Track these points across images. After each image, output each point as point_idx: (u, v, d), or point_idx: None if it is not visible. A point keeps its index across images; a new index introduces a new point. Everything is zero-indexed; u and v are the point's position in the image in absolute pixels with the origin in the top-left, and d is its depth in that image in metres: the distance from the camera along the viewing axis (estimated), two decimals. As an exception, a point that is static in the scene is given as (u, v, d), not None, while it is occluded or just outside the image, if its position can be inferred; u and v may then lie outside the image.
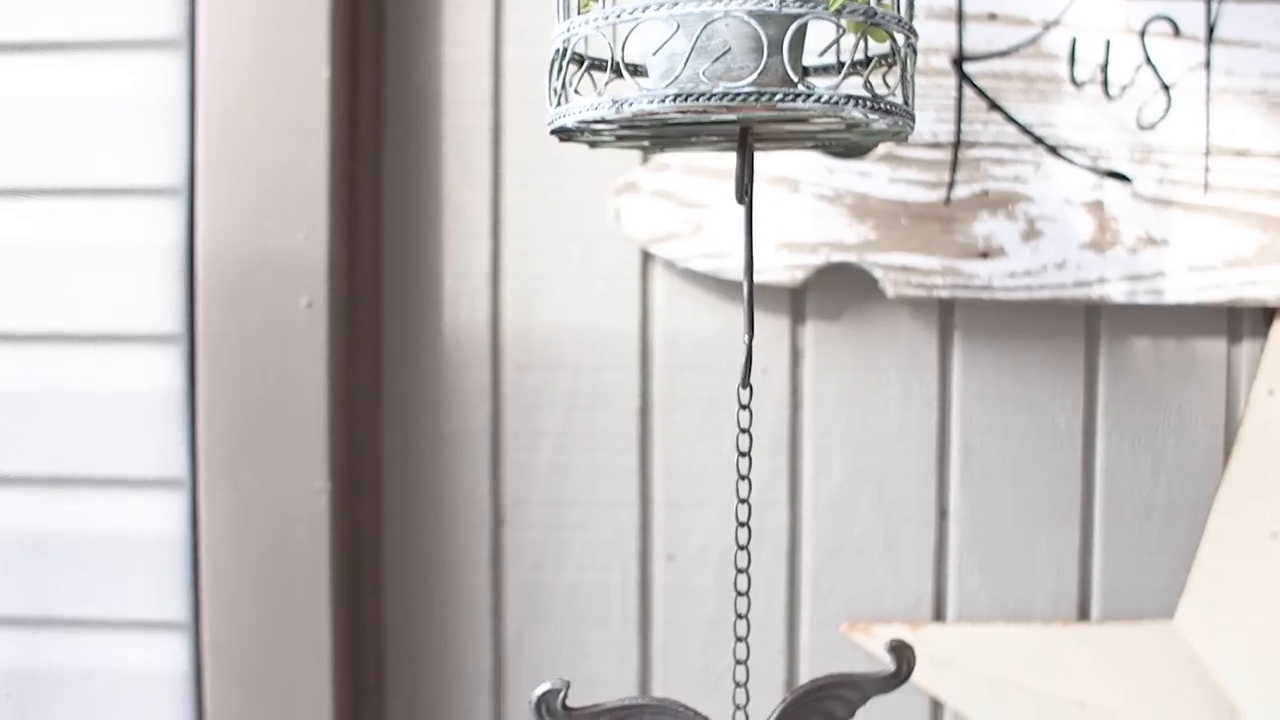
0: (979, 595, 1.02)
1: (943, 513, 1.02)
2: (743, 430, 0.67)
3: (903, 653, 0.69)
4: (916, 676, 0.98)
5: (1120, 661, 1.02)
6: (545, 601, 1.01)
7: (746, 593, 0.67)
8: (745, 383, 0.67)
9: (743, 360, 0.65)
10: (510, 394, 1.01)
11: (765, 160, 0.96)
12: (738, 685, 0.68)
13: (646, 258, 1.00)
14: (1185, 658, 1.02)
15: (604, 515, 1.01)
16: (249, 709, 0.97)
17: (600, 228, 0.99)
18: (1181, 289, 0.98)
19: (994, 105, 0.96)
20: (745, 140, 0.61)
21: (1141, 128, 0.96)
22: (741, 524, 0.66)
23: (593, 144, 0.69)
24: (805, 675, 1.01)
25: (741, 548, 0.66)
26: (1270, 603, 1.00)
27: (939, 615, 1.02)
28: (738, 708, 0.69)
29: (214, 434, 0.95)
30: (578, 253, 1.00)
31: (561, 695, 0.63)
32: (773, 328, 1.00)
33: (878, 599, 1.01)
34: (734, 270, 0.97)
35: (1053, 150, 0.97)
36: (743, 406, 0.67)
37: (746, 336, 0.67)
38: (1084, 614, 1.03)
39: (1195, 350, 1.01)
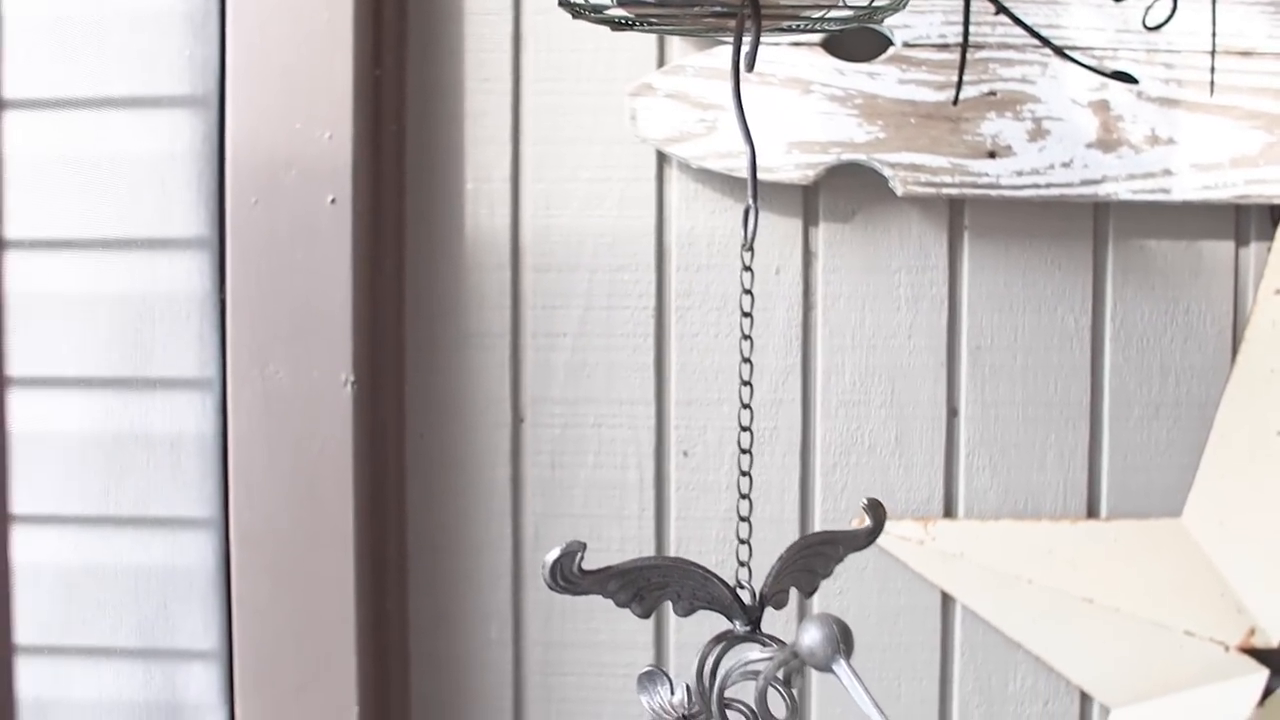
0: (989, 492, 1.09)
1: (953, 411, 1.09)
2: (745, 313, 0.74)
3: (876, 510, 0.76)
4: (927, 571, 1.06)
5: (1128, 558, 1.09)
6: (563, 498, 1.09)
7: (749, 494, 0.74)
8: (748, 245, 0.74)
9: (746, 224, 0.72)
10: (529, 295, 1.09)
11: (777, 62, 1.04)
12: (741, 564, 0.74)
13: (662, 161, 1.08)
14: (1192, 554, 1.09)
15: (621, 413, 1.09)
16: (275, 600, 1.06)
17: (617, 133, 1.08)
18: (1187, 187, 1.05)
19: (1001, 8, 1.04)
20: (756, 5, 0.69)
21: (1148, 29, 1.04)
22: (744, 428, 0.74)
23: (600, 19, 0.76)
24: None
25: (744, 451, 0.73)
26: (1276, 499, 1.07)
27: (949, 512, 1.10)
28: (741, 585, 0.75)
29: (242, 331, 1.04)
30: (595, 157, 1.08)
31: (578, 558, 0.64)
32: (785, 229, 1.08)
33: (889, 495, 1.09)
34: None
35: (1059, 51, 1.04)
36: (745, 291, 0.74)
37: (750, 200, 0.75)
38: (1093, 511, 1.10)
39: (1202, 251, 1.09)
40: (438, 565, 1.11)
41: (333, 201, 1.02)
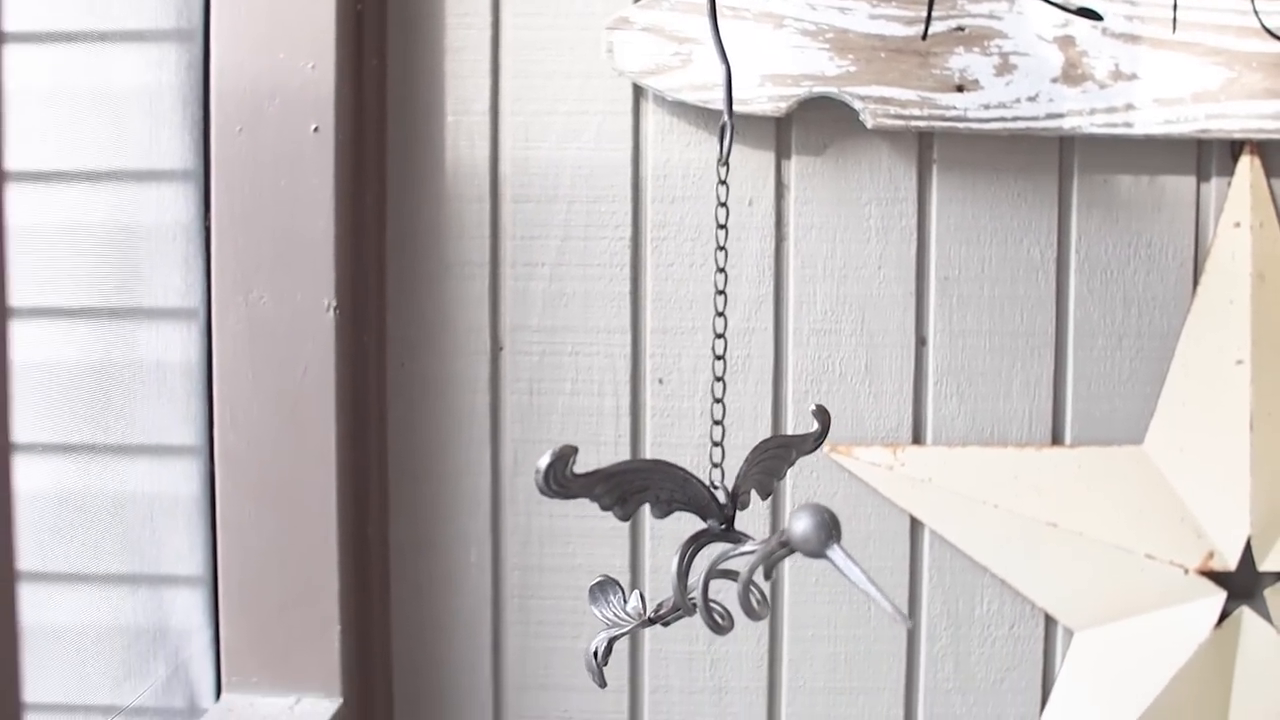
0: (956, 420, 1.15)
1: (921, 340, 1.15)
2: (720, 225, 0.79)
3: (823, 415, 0.81)
4: (896, 496, 1.11)
5: (1091, 483, 1.15)
6: (541, 424, 1.15)
7: (722, 398, 0.79)
8: (724, 160, 0.80)
9: (721, 141, 0.78)
10: (508, 225, 1.14)
11: (750, -4, 1.10)
12: (714, 465, 0.79)
13: (638, 94, 1.14)
14: (1154, 480, 1.14)
15: (598, 341, 1.14)
16: (259, 523, 1.11)
17: (594, 66, 1.13)
18: (1150, 121, 1.11)
19: (969, -56, 1.09)
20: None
21: (1111, -34, 1.09)
22: (718, 357, 0.79)
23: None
24: (789, 493, 1.15)
25: (718, 379, 0.79)
26: (1234, 427, 1.12)
27: (918, 438, 1.15)
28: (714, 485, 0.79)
29: (226, 259, 1.09)
30: (573, 90, 1.14)
31: (570, 462, 0.65)
32: (758, 162, 1.13)
33: (859, 422, 1.15)
34: (721, 102, 1.10)
35: (1025, -13, 1.09)
36: (720, 204, 0.79)
37: (726, 117, 0.80)
38: (1057, 438, 1.16)
39: (1164, 185, 1.14)
40: (418, 490, 1.16)
41: (315, 130, 1.07)
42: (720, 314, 0.78)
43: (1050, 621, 1.18)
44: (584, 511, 1.12)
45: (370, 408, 1.15)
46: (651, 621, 0.80)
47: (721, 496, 0.75)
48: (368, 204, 1.13)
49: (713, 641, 1.16)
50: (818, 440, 0.82)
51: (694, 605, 0.74)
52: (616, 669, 1.15)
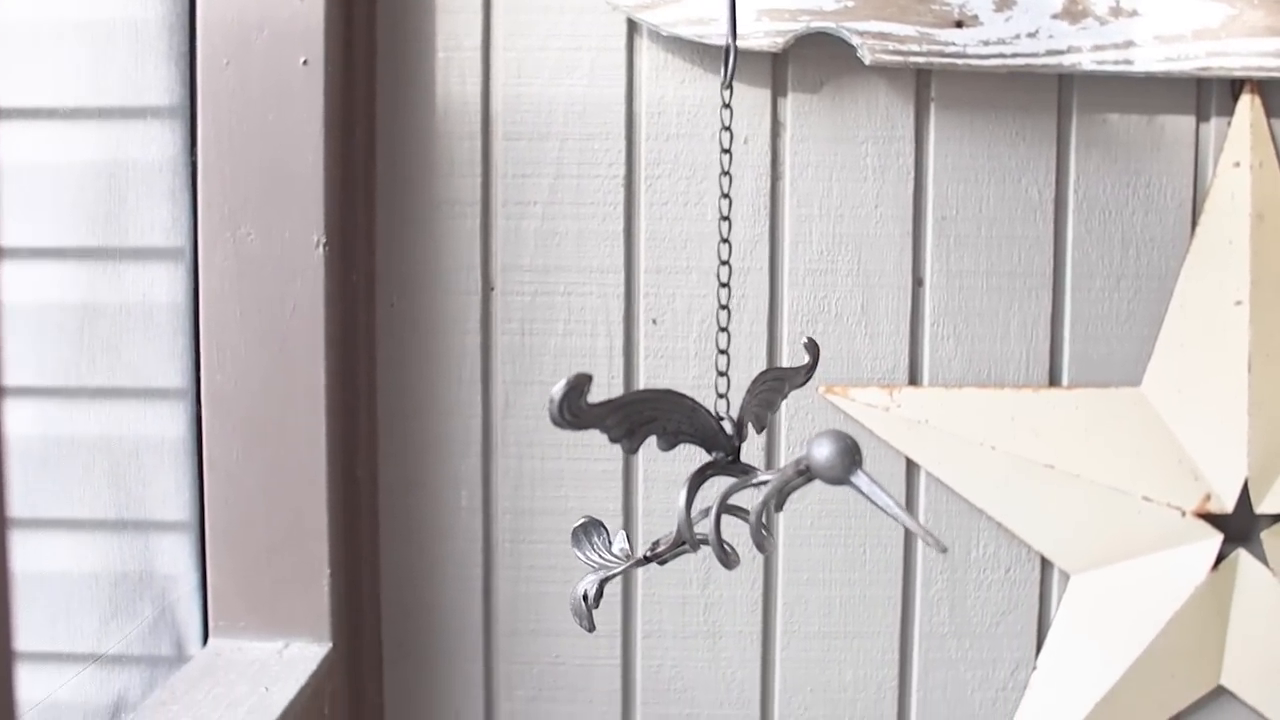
0: (953, 361, 1.16)
1: (918, 280, 1.15)
2: (724, 150, 0.79)
3: (813, 348, 0.81)
4: (892, 438, 1.12)
5: (1089, 426, 1.16)
6: (533, 365, 1.15)
7: (727, 326, 0.79)
8: (727, 84, 0.80)
9: (725, 62, 0.78)
10: (500, 163, 1.14)
11: (746, -72, 1.10)
12: (719, 396, 0.79)
13: (632, 29, 1.14)
14: (1151, 422, 1.15)
15: (591, 281, 1.14)
16: (246, 464, 1.11)
17: (588, 1, 1.13)
18: (1150, 59, 1.11)
19: (968, -124, 1.10)
20: None
21: (1111, -100, 1.09)
22: (723, 284, 0.79)
23: None
24: (784, 435, 1.15)
25: (723, 307, 0.79)
26: (1232, 368, 1.13)
27: (914, 379, 1.16)
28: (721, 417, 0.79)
29: (213, 195, 1.09)
30: (566, 25, 1.14)
31: (585, 391, 0.63)
32: (754, 100, 1.14)
33: (854, 363, 1.15)
34: (717, 37, 1.10)
35: (1025, -79, 1.10)
36: (724, 128, 0.79)
37: (730, 38, 0.80)
38: (1054, 380, 1.16)
39: (1164, 125, 1.15)
40: (408, 431, 1.16)
41: (305, 63, 1.07)
42: (724, 239, 0.78)
43: (1046, 565, 1.19)
44: (577, 454, 1.13)
45: (359, 347, 1.15)
46: (647, 560, 0.79)
47: (728, 428, 0.75)
48: (357, 140, 1.13)
49: (707, 585, 1.17)
50: (809, 373, 0.82)
51: (700, 540, 0.73)
52: (608, 613, 1.16)
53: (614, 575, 0.79)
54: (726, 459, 0.76)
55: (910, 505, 1.18)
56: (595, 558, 0.81)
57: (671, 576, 1.17)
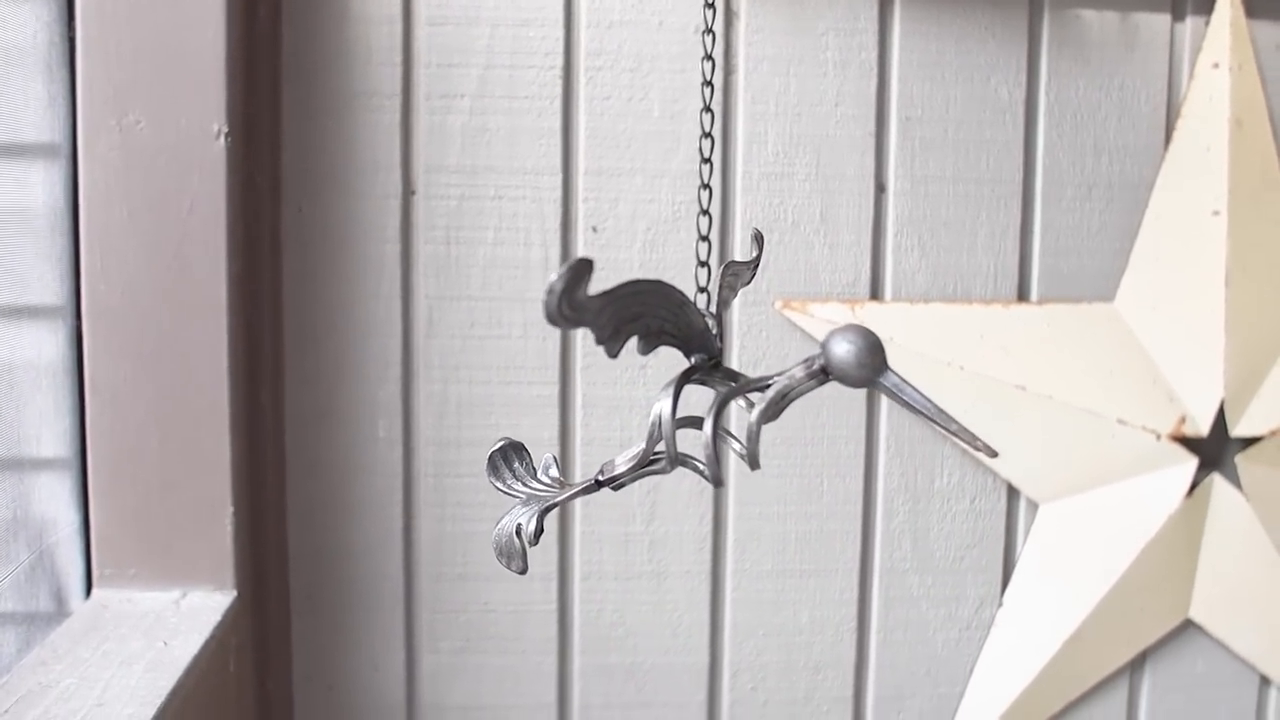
0: (917, 274, 1.10)
1: (881, 187, 1.09)
2: (706, 56, 0.72)
3: (758, 240, 0.75)
4: (852, 358, 1.05)
5: (1060, 343, 1.11)
6: (460, 278, 1.06)
7: (708, 237, 0.72)
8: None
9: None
10: (423, 51, 1.05)
11: None
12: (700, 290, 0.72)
13: (571, -97, 1.05)
14: (1125, 340, 1.11)
15: (524, 184, 1.06)
16: (136, 389, 1.00)
17: None
18: (1127, -52, 1.07)
19: None
20: None
21: None
22: (705, 160, 0.71)
23: None
24: (736, 352, 1.08)
25: (705, 186, 0.71)
26: (1210, 283, 1.10)
27: (876, 294, 1.10)
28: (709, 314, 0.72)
29: (95, 76, 0.97)
30: (496, -102, 1.05)
31: (586, 281, 0.53)
32: (705, -15, 1.06)
33: (813, 275, 1.09)
34: (666, -89, 1.02)
35: None
36: (706, 29, 0.72)
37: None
38: (1023, 295, 1.12)
39: (1138, 24, 1.11)
40: (319, 353, 1.07)
41: (201, -74, 0.96)
42: (707, 108, 0.71)
43: (1013, 494, 1.14)
44: (509, 377, 1.05)
45: (263, 257, 1.05)
46: (599, 485, 0.70)
47: (713, 326, 0.67)
48: (261, 19, 1.02)
49: (651, 521, 1.10)
50: (754, 268, 0.76)
51: (680, 457, 0.65)
52: (543, 554, 1.08)
53: (556, 504, 0.69)
54: (708, 362, 0.68)
55: (870, 432, 1.12)
56: (520, 487, 0.72)
57: (612, 512, 1.09)
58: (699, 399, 0.61)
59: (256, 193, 1.04)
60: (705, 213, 0.72)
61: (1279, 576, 1.13)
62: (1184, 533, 1.12)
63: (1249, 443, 1.11)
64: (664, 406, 0.64)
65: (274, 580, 1.08)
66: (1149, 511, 1.11)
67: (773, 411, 0.65)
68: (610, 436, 1.08)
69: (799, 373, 0.63)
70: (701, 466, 0.68)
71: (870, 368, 0.60)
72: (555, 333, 1.07)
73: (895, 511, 1.12)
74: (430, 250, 1.06)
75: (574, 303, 0.54)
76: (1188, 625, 1.17)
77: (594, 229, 1.07)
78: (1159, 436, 1.10)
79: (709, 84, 0.76)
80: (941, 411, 0.61)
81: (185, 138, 0.97)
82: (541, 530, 0.67)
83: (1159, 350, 1.11)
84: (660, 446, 0.65)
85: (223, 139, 0.97)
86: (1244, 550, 1.13)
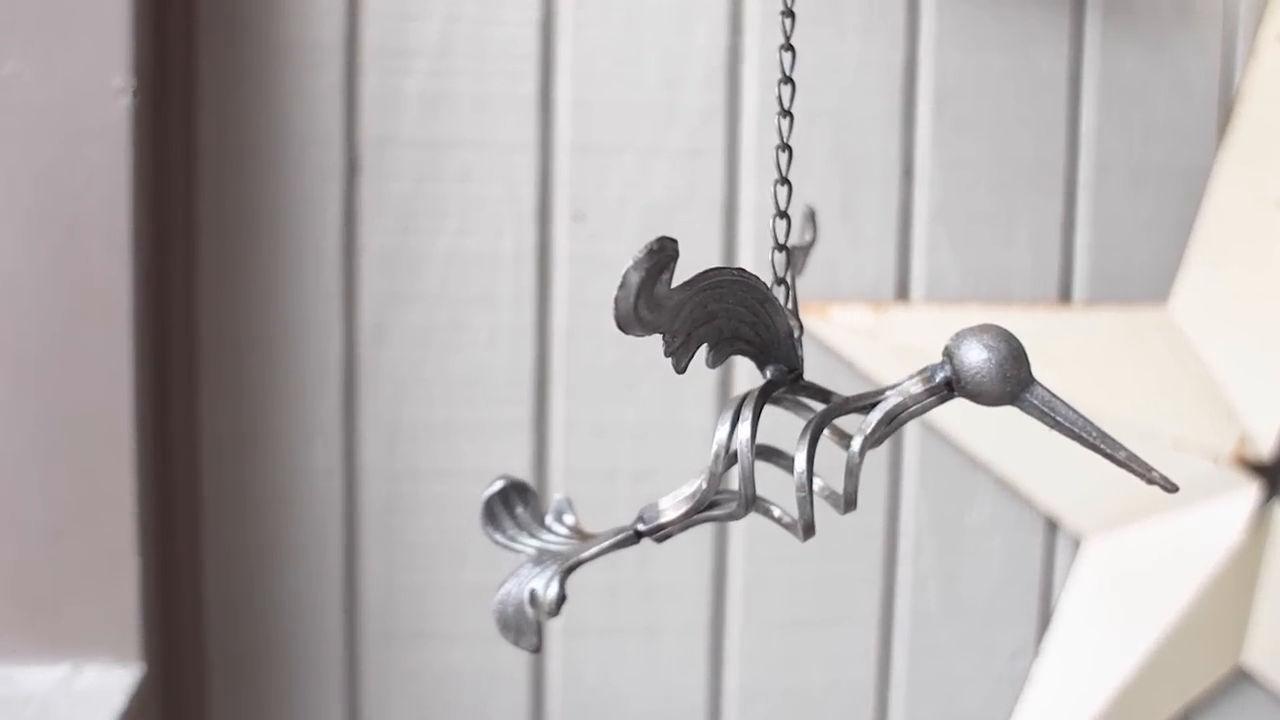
0: (948, 272, 0.98)
1: (907, 171, 0.97)
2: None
3: (813, 217, 0.64)
4: (878, 372, 0.93)
5: (1109, 352, 1.00)
6: (413, 275, 0.91)
7: (786, 213, 0.58)
8: None
9: None
10: (371, -1, 0.90)
11: None
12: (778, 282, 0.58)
13: None
14: (1180, 348, 1.01)
15: (494, 161, 0.91)
16: (17, 410, 0.82)
17: None
18: (1187, -100, 0.96)
19: None
20: None
21: None
22: (784, 111, 0.58)
23: None
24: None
25: (784, 146, 0.58)
26: (1274, 285, 1.00)
27: (903, 294, 0.98)
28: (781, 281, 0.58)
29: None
30: None
31: (671, 269, 0.41)
32: (708, -71, 0.93)
33: (832, 273, 0.96)
34: None
35: None
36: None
37: None
38: (1065, 295, 1.01)
39: (1193, -12, 1.01)
40: (242, 365, 0.90)
41: None
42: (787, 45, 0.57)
43: (1051, 529, 1.03)
44: (474, 395, 0.90)
45: (175, 246, 0.88)
46: (640, 536, 0.55)
47: (795, 329, 0.53)
48: (173, -47, 0.86)
49: (642, 567, 0.96)
50: (808, 253, 0.64)
51: (753, 499, 0.52)
52: (513, 607, 0.93)
53: (581, 562, 0.55)
54: (790, 376, 0.54)
55: (895, 461, 1.00)
56: (528, 540, 0.57)
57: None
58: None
59: (167, 166, 0.87)
60: (784, 181, 0.59)
61: (1341, 617, 1.04)
62: (1243, 568, 1.02)
63: (1311, 466, 1.01)
64: (743, 430, 0.51)
65: (189, 647, 0.91)
66: (1206, 545, 1.01)
67: (878, 438, 0.52)
68: (595, 467, 0.94)
69: (914, 387, 0.51)
70: (779, 513, 0.56)
71: (1016, 380, 0.49)
72: (529, 343, 0.93)
73: (921, 551, 1.00)
74: (380, 241, 0.91)
75: (655, 300, 0.41)
76: (1235, 674, 1.07)
77: (576, 216, 0.93)
78: (1216, 460, 1.00)
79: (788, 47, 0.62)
80: (1105, 435, 0.50)
81: (78, 95, 0.80)
82: (564, 597, 0.52)
83: (1217, 358, 1.01)
84: (729, 484, 0.52)
85: (126, 98, 0.80)
86: (1305, 586, 1.03)
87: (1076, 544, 1.03)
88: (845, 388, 0.93)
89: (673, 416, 0.94)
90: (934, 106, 0.97)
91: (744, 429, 0.50)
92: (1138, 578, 1.02)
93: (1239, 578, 1.02)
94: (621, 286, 0.39)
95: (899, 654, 1.01)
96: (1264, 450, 1.00)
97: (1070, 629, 1.03)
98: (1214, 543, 1.01)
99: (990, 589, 1.01)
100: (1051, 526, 1.02)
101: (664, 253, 0.40)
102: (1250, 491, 1.01)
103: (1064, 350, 0.99)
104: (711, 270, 0.43)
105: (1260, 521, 1.01)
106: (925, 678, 1.01)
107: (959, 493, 1.00)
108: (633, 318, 0.40)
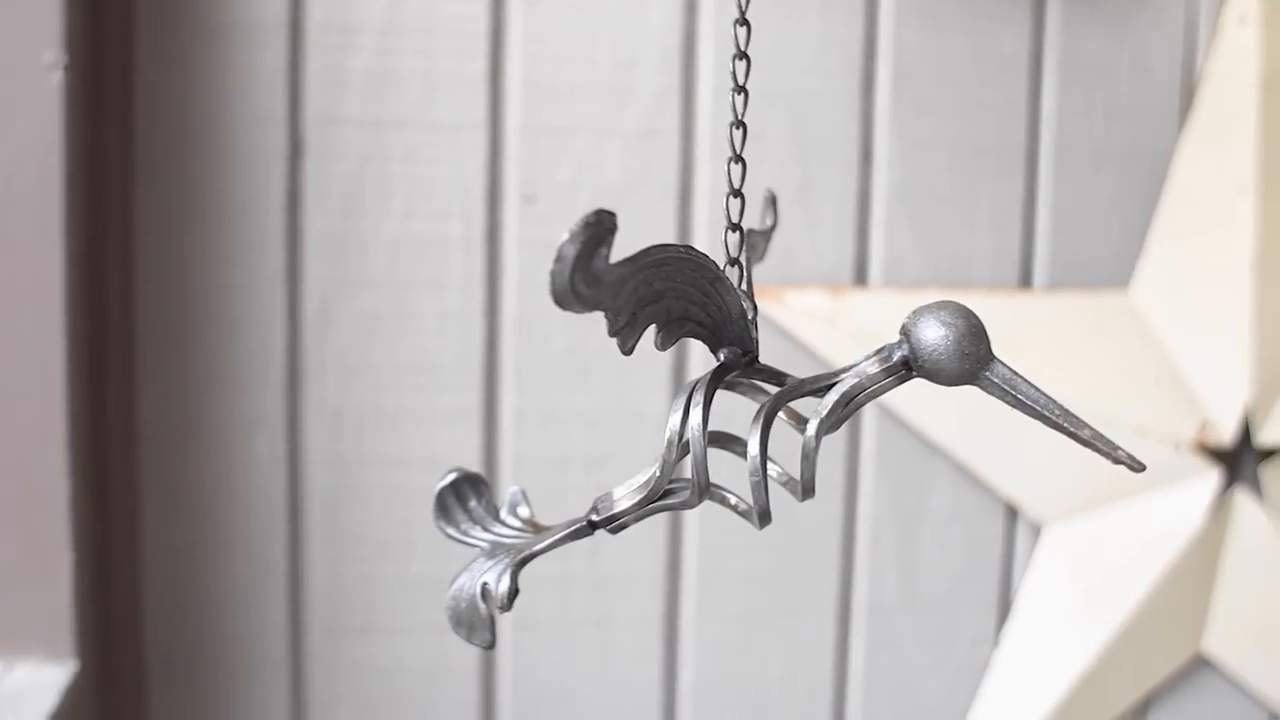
0: (908, 256, 0.97)
1: (866, 154, 0.96)
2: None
3: (774, 202, 0.62)
4: (836, 357, 0.92)
5: (1070, 337, 1.00)
6: (360, 260, 0.89)
7: (740, 191, 0.57)
8: None
9: None
10: (314, -27, 0.87)
11: None
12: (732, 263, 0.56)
13: None
14: (1141, 334, 1.00)
15: (442, 142, 0.89)
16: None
17: None
18: (1150, -122, 0.95)
19: None
20: None
21: None
22: (738, 88, 0.56)
23: None
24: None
25: (738, 124, 0.56)
26: (1236, 271, 0.99)
27: (861, 278, 0.96)
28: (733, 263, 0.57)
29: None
30: None
31: (608, 244, 0.39)
32: (662, -96, 0.91)
33: (789, 257, 0.95)
34: None
35: None
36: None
37: None
38: (1026, 280, 0.99)
39: (1156, -33, 0.99)
40: (182, 353, 0.88)
41: None
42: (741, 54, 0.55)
43: (1011, 516, 1.02)
44: (422, 381, 0.88)
45: (111, 229, 0.86)
46: (593, 527, 0.53)
47: (749, 311, 0.52)
48: (106, -77, 0.83)
49: (595, 556, 0.94)
50: (769, 236, 0.63)
51: (706, 486, 0.50)
52: (463, 600, 0.91)
53: (534, 555, 0.53)
54: (744, 359, 0.53)
55: (852, 447, 0.98)
56: (481, 533, 0.55)
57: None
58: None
59: (102, 147, 0.84)
60: (739, 159, 0.57)
61: (1301, 605, 1.03)
62: (1203, 556, 1.02)
63: (1275, 452, 1.01)
64: (695, 415, 0.49)
65: (126, 644, 0.89)
66: (1167, 532, 1.00)
67: (835, 421, 0.51)
68: (545, 455, 0.92)
69: (871, 368, 0.50)
70: (735, 500, 0.54)
71: (975, 358, 0.47)
72: (479, 328, 0.91)
73: (880, 539, 0.99)
74: (324, 224, 0.88)
75: (591, 274, 0.39)
76: (1196, 661, 1.07)
77: (526, 198, 0.91)
78: (1178, 446, 0.99)
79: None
80: (1069, 414, 0.49)
81: (6, 70, 0.78)
82: (516, 591, 0.51)
83: (1179, 346, 1.00)
84: (679, 474, 0.51)
85: (58, 73, 0.78)
86: (1267, 573, 1.03)
87: (1037, 531, 1.02)
88: (802, 373, 0.92)
89: (626, 402, 0.93)
90: (893, 87, 0.95)
91: (695, 415, 0.48)
92: (1098, 565, 1.01)
93: (1199, 564, 1.02)
94: (557, 260, 0.37)
95: (857, 645, 1.00)
96: (1225, 436, 1.00)
97: (1030, 617, 1.02)
98: (1175, 529, 1.00)
99: (950, 578, 1.00)
100: (1011, 514, 1.02)
101: (600, 225, 0.38)
102: (1211, 478, 1.00)
103: (1025, 336, 0.98)
104: (657, 246, 0.41)
105: (1221, 508, 1.00)
106: (884, 668, 1.00)
107: (918, 480, 0.99)
108: (569, 293, 0.39)
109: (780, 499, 0.50)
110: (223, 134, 0.86)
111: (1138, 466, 0.47)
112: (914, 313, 0.47)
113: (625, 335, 0.45)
